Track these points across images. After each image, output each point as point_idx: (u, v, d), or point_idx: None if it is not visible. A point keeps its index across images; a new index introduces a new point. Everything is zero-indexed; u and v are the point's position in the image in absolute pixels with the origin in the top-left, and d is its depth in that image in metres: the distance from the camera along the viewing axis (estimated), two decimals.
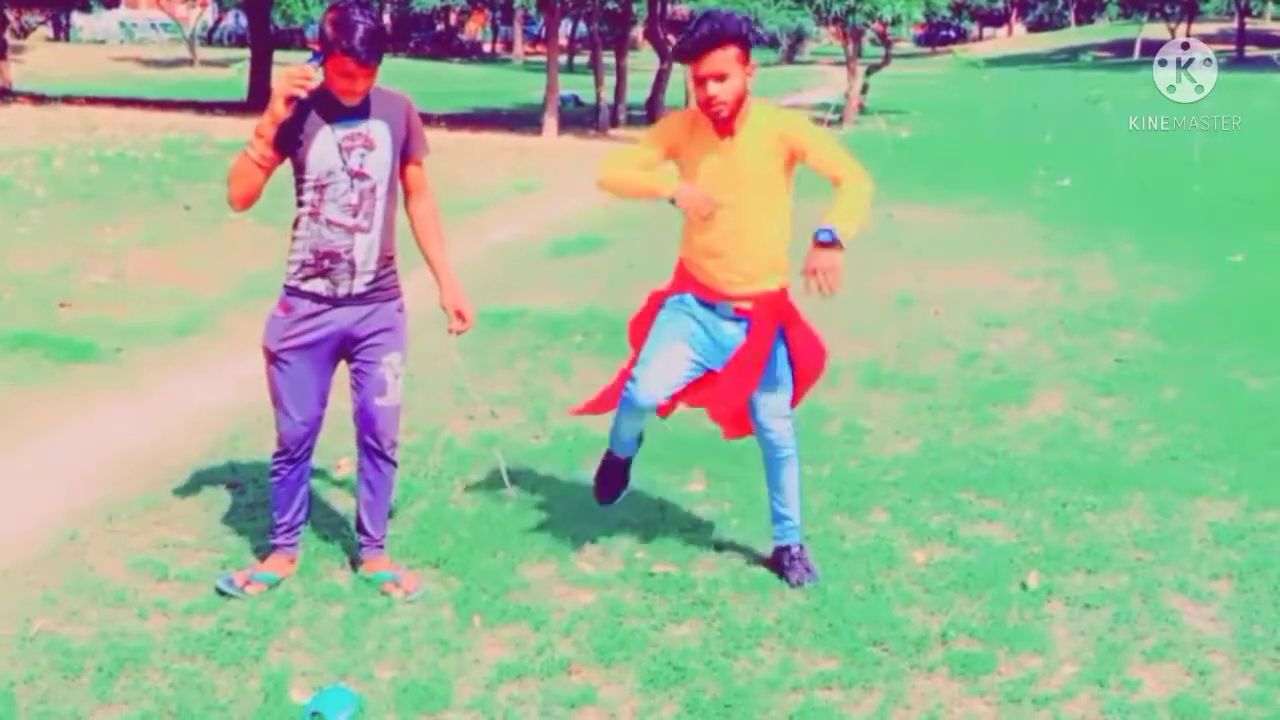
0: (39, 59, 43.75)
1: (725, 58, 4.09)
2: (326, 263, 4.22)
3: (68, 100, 23.54)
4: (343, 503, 5.26)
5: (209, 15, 61.92)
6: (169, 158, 14.22)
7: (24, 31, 52.96)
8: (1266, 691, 3.88)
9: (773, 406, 4.52)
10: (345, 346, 4.35)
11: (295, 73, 4.03)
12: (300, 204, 4.24)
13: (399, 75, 44.29)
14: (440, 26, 74.49)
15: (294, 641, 4.12)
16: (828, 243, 4.05)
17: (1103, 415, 6.70)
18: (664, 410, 4.74)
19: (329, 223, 4.19)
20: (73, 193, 11.80)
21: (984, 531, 5.12)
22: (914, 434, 6.36)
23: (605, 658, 4.04)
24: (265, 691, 3.80)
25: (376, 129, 4.20)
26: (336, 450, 5.51)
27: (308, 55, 4.21)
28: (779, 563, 4.65)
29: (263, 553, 4.65)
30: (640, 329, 4.63)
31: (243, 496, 5.31)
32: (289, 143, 4.15)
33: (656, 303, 4.56)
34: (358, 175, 4.17)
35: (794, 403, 4.63)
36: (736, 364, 4.40)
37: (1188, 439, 6.26)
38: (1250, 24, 64.63)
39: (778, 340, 4.44)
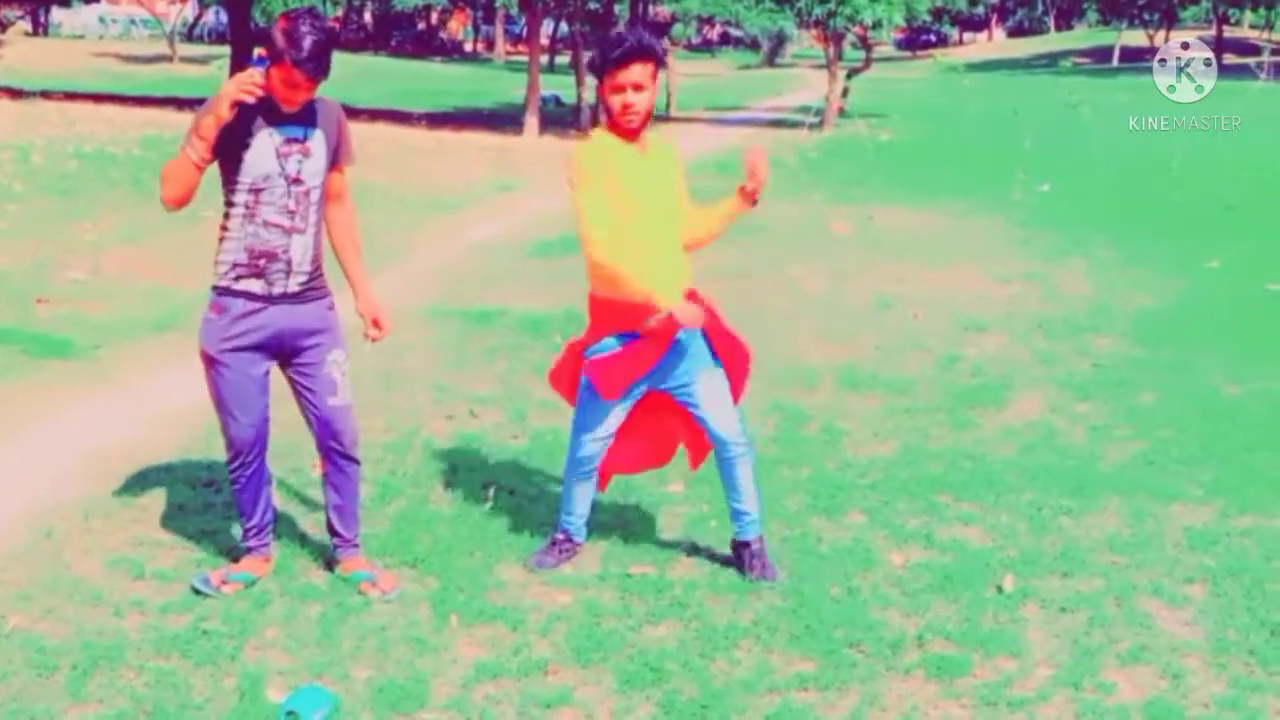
0: (17, 54, 43.48)
1: (645, 71, 4.33)
2: (263, 262, 4.20)
3: (46, 95, 23.41)
4: (319, 502, 5.23)
5: (189, 11, 61.69)
6: (148, 154, 14.17)
7: (2, 26, 52.66)
8: (1240, 695, 3.90)
9: (719, 425, 4.57)
10: (282, 349, 4.31)
11: (244, 77, 4.01)
12: (232, 204, 4.20)
13: (380, 73, 44.05)
14: (422, 25, 74.40)
15: (270, 640, 4.11)
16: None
17: (1080, 420, 6.73)
18: (603, 479, 4.93)
19: (266, 224, 4.17)
20: (51, 188, 11.76)
21: (960, 534, 5.14)
22: (892, 436, 6.38)
23: (582, 658, 4.04)
24: (241, 690, 3.79)
25: (314, 137, 4.20)
26: (311, 450, 5.49)
27: (253, 58, 4.20)
28: (739, 558, 4.69)
29: (238, 552, 4.63)
30: (564, 378, 4.76)
31: (219, 495, 5.29)
32: (228, 145, 4.12)
33: (576, 352, 4.63)
34: (294, 181, 4.16)
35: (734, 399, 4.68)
36: (720, 347, 4.56)
37: (1164, 444, 6.29)
38: (1228, 31, 65.02)
39: (704, 338, 4.51)
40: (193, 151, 4.09)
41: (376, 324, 4.52)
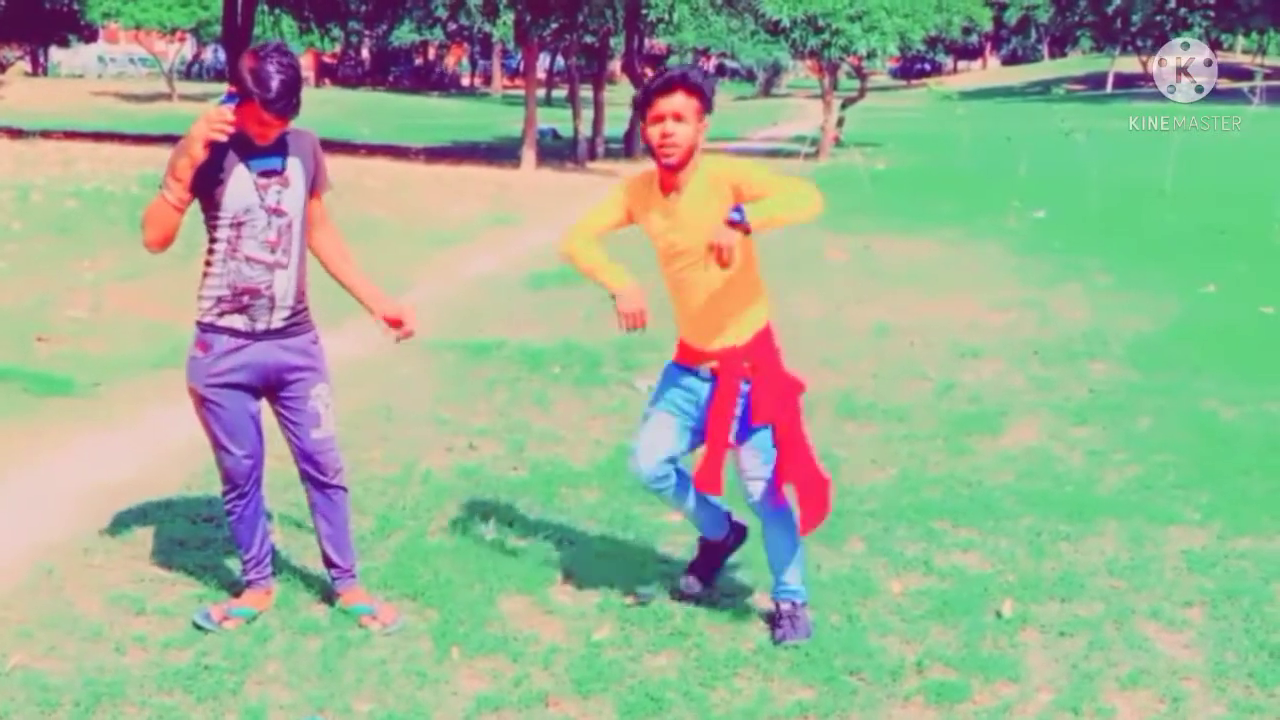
0: (16, 94, 43.67)
1: (687, 102, 4.10)
2: (246, 298, 4.21)
3: (45, 135, 23.47)
4: None
5: (187, 50, 61.95)
6: (146, 192, 14.18)
7: (1, 67, 52.92)
8: (1240, 718, 3.91)
9: (743, 464, 4.36)
10: (267, 383, 4.32)
11: (214, 116, 4.01)
12: (214, 240, 4.21)
13: (378, 109, 43.86)
14: (419, 60, 74.74)
15: (272, 675, 4.12)
16: (735, 222, 3.97)
17: (1077, 445, 6.75)
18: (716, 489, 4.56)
19: (248, 259, 4.18)
20: (50, 227, 11.80)
21: (959, 560, 5.15)
22: (890, 464, 6.40)
23: (583, 689, 4.05)
24: None
25: (291, 166, 4.22)
26: None
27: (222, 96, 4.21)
28: (772, 618, 4.52)
29: (239, 587, 4.64)
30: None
31: (219, 530, 5.30)
32: (205, 183, 4.13)
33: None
34: (275, 212, 4.18)
35: (803, 528, 4.39)
36: (710, 427, 4.33)
37: (1161, 468, 6.31)
38: (1221, 57, 65.18)
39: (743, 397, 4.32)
40: (170, 194, 4.11)
41: (400, 321, 4.49)
